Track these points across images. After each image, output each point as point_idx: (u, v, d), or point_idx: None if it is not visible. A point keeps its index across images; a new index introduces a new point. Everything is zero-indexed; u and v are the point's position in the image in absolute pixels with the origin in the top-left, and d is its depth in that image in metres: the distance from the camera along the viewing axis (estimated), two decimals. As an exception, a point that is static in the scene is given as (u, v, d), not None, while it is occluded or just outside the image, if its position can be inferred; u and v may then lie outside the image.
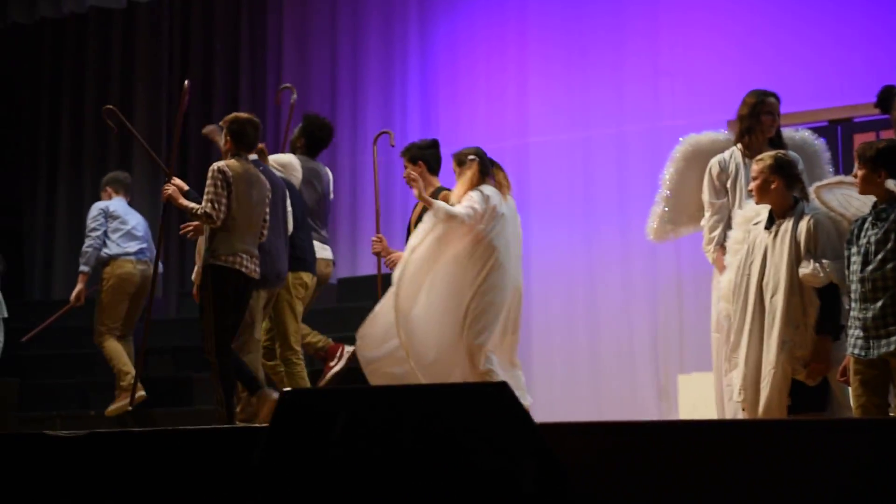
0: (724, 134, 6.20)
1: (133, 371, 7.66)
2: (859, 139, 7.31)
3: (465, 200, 6.32)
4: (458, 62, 9.69)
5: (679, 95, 8.69)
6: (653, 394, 8.31)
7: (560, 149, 9.04)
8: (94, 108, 10.84)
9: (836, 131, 8.03)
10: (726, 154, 5.91)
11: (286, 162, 7.20)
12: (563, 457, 3.62)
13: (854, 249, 4.96)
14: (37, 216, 11.23)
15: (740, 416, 5.41)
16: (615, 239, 8.61)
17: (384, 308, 6.39)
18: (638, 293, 8.55)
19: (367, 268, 9.73)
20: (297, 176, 7.16)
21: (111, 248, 7.94)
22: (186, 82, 7.22)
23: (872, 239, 4.88)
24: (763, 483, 3.70)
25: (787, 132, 6.09)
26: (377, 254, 7.00)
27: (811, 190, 5.35)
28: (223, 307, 6.20)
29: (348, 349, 7.12)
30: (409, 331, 6.27)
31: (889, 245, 4.82)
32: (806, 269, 5.10)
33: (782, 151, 5.51)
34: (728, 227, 5.80)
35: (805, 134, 6.19)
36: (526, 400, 6.16)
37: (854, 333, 4.92)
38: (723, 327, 5.66)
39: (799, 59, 8.37)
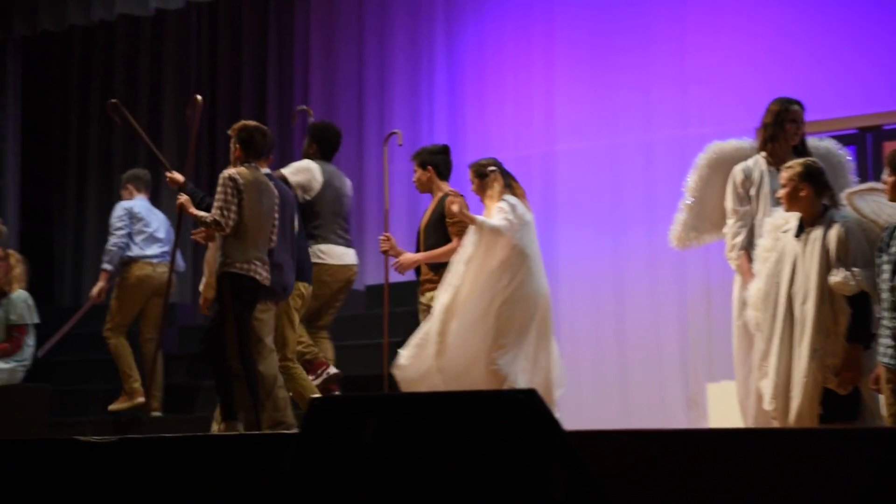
0: (748, 142, 6.19)
1: (136, 374, 7.82)
2: (889, 147, 7.28)
3: (495, 213, 6.36)
4: (484, 70, 9.69)
5: (707, 102, 8.66)
6: (681, 402, 8.28)
7: (587, 156, 9.02)
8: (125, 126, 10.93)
9: (866, 139, 8.01)
10: (750, 162, 5.90)
11: (304, 167, 7.24)
12: (591, 465, 3.61)
13: (885, 258, 4.93)
14: (66, 222, 11.30)
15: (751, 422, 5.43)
16: (643, 247, 8.59)
17: (432, 331, 6.41)
18: (666, 301, 8.52)
19: (396, 274, 9.75)
20: (317, 179, 7.20)
21: (132, 251, 8.01)
22: (199, 97, 7.23)
23: (903, 247, 4.85)
24: (794, 492, 3.69)
25: (812, 141, 6.07)
26: (385, 252, 7.03)
27: (843, 196, 5.33)
28: (242, 312, 6.26)
29: (331, 371, 7.15)
30: (444, 345, 6.32)
31: (920, 253, 4.80)
32: (836, 277, 5.07)
33: (811, 159, 5.49)
34: (750, 234, 5.79)
35: (829, 143, 6.17)
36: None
37: (885, 342, 4.90)
38: (750, 335, 5.64)
39: (828, 66, 8.33)
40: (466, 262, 6.39)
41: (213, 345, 6.32)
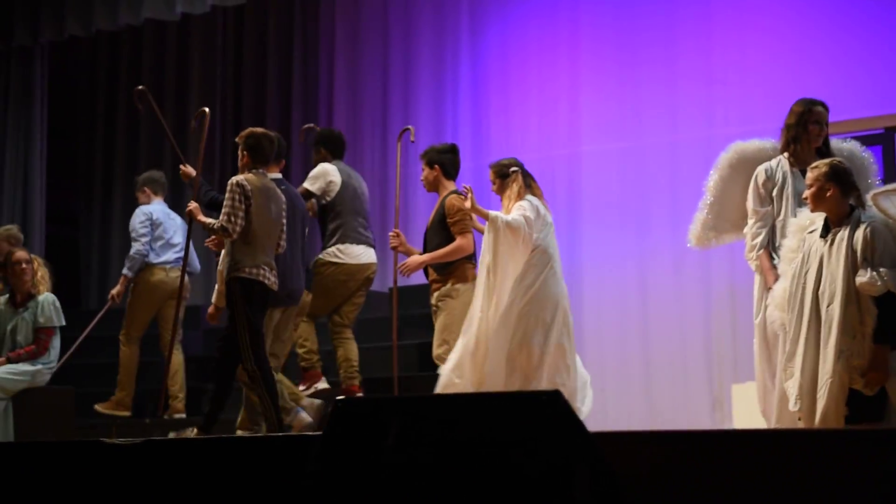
0: (770, 142, 6.15)
1: (130, 389, 8.01)
2: (916, 147, 7.25)
3: (515, 211, 6.36)
4: (509, 69, 9.68)
5: (732, 103, 8.63)
6: (706, 403, 8.24)
7: (612, 157, 9.00)
8: (149, 120, 10.99)
9: (893, 138, 7.96)
10: (773, 162, 5.87)
11: (319, 172, 7.31)
12: (616, 466, 3.60)
13: (912, 258, 4.90)
14: (92, 226, 11.37)
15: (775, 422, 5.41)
16: (668, 248, 8.55)
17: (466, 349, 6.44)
18: (691, 302, 8.49)
19: (420, 277, 9.75)
20: (335, 180, 7.24)
21: (149, 257, 8.10)
22: (206, 109, 7.28)
23: (930, 247, 4.82)
24: (820, 494, 3.67)
25: (835, 143, 6.03)
26: (394, 249, 7.05)
27: (868, 197, 5.29)
28: (253, 317, 6.32)
29: (321, 386, 7.19)
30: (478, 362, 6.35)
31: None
32: (863, 277, 5.04)
33: (838, 159, 5.45)
34: (771, 235, 5.76)
35: (853, 145, 6.12)
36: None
37: (912, 343, 4.86)
38: (769, 335, 5.62)
39: (854, 66, 8.28)
40: (489, 272, 6.39)
41: (228, 351, 6.37)
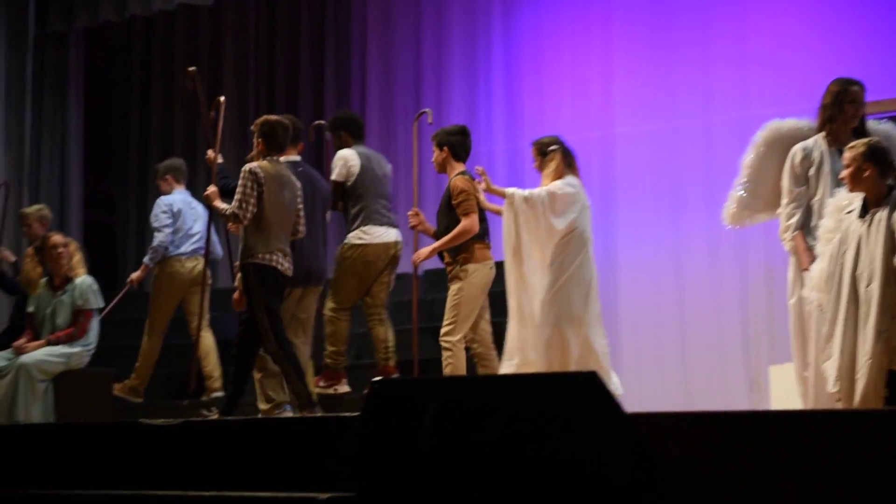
0: (806, 121, 6.12)
1: (144, 378, 8.14)
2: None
3: (556, 183, 6.42)
4: (542, 52, 9.65)
5: (767, 84, 8.56)
6: (743, 385, 8.21)
7: (646, 139, 8.96)
8: (183, 104, 11.04)
9: (929, 119, 7.88)
10: (810, 141, 5.83)
11: (338, 158, 7.33)
12: (653, 447, 3.60)
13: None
14: (128, 210, 11.44)
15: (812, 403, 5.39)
16: (703, 229, 8.52)
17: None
18: (727, 284, 8.46)
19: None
20: (354, 164, 7.28)
21: (168, 249, 8.19)
22: (222, 98, 7.31)
23: (969, 227, 4.78)
24: (859, 475, 3.65)
25: (871, 123, 5.98)
26: (413, 228, 7.10)
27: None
28: (270, 300, 6.38)
29: (342, 389, 7.24)
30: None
31: None
32: (902, 257, 5.01)
33: (875, 138, 5.41)
34: (806, 215, 5.73)
35: (889, 126, 6.07)
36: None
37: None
38: (805, 315, 5.60)
39: (890, 45, 8.21)
40: (514, 252, 6.40)
41: (247, 335, 6.45)
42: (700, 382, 8.35)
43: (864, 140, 5.31)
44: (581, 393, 3.50)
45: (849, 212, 5.29)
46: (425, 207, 9.83)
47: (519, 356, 6.45)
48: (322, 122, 8.06)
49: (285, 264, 6.46)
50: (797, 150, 5.82)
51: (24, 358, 7.47)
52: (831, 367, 5.15)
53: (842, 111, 5.78)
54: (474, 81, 9.98)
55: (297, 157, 7.09)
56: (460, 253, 6.63)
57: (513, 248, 6.48)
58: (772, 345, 8.02)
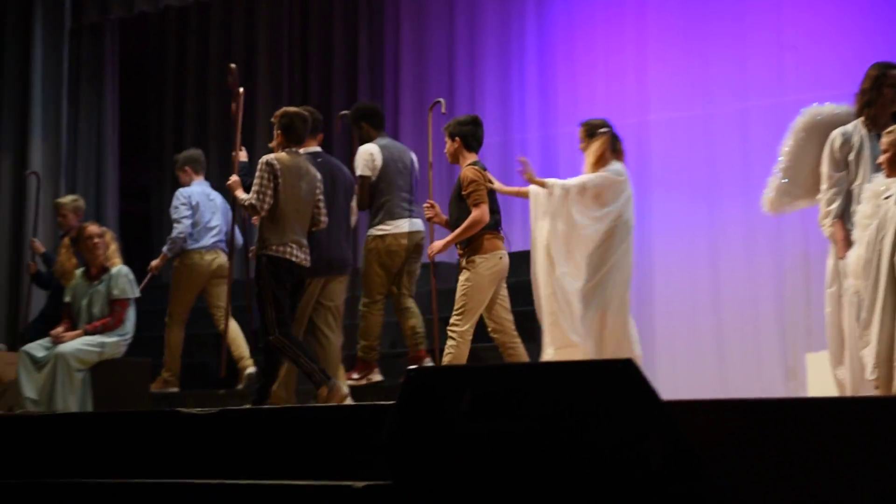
0: (845, 106, 6.07)
1: (175, 368, 8.25)
2: None
3: (599, 173, 6.39)
4: (576, 38, 9.60)
5: (803, 69, 8.49)
6: (780, 373, 8.16)
7: (681, 125, 8.91)
8: (217, 94, 11.07)
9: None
10: (850, 126, 5.79)
11: (362, 154, 7.39)
12: (690, 435, 3.58)
13: None
14: (163, 199, 11.46)
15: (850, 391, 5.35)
16: (739, 216, 8.47)
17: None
18: (763, 270, 8.41)
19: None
20: (377, 159, 7.36)
21: (187, 241, 8.26)
22: (241, 89, 7.33)
23: None
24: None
25: None
26: (429, 220, 7.12)
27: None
28: (279, 295, 6.45)
29: (376, 378, 7.29)
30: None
31: None
32: (941, 243, 4.97)
33: (914, 123, 5.37)
34: (846, 200, 5.69)
35: None
36: None
37: None
38: (850, 304, 5.56)
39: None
40: (549, 243, 6.38)
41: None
42: (736, 370, 8.31)
43: (903, 125, 5.27)
44: (618, 381, 3.48)
45: (886, 197, 5.25)
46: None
47: (556, 344, 6.43)
48: (346, 112, 8.07)
49: (300, 255, 6.52)
50: (836, 135, 5.78)
51: (62, 347, 7.53)
52: (869, 355, 5.12)
53: (881, 95, 5.74)
54: (508, 69, 9.95)
55: (317, 149, 7.15)
56: (469, 243, 6.63)
57: (547, 236, 6.46)
58: (809, 332, 7.97)
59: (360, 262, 7.62)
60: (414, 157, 7.54)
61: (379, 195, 7.33)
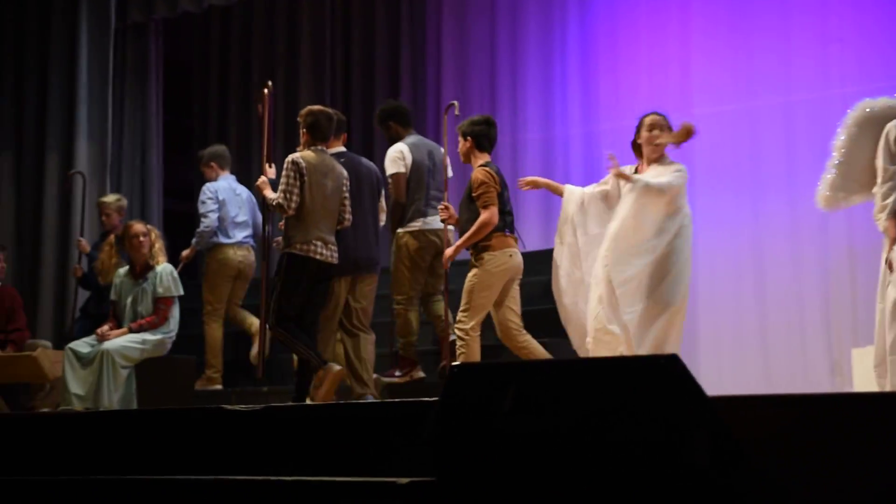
0: None
1: (218, 365, 8.35)
2: None
3: (671, 172, 6.34)
4: (618, 33, 9.56)
5: (849, 62, 8.41)
6: (825, 368, 8.10)
7: (725, 120, 8.85)
8: (260, 93, 11.10)
9: None
10: None
11: (393, 155, 7.47)
12: (735, 431, 3.56)
13: None
14: (207, 199, 11.54)
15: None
16: (783, 211, 8.41)
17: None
18: (808, 265, 8.34)
19: (530, 244, 9.74)
20: (406, 160, 7.44)
21: (218, 237, 8.38)
22: (266, 89, 7.34)
23: None
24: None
25: None
26: (444, 222, 7.14)
27: None
28: (289, 292, 6.57)
29: (418, 375, 7.32)
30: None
31: None
32: None
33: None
34: None
35: None
36: None
37: None
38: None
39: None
40: (614, 238, 6.33)
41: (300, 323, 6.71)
42: (781, 366, 8.25)
43: (954, 117, 5.20)
44: (663, 377, 3.47)
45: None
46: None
47: (596, 335, 6.36)
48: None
49: (325, 252, 6.62)
50: (891, 128, 5.70)
51: (108, 345, 7.59)
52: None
53: None
54: (550, 65, 9.93)
55: (341, 148, 7.25)
56: (479, 242, 6.62)
57: (616, 228, 6.37)
58: (854, 327, 7.91)
59: (389, 262, 7.66)
60: (443, 153, 7.56)
61: (409, 194, 7.38)
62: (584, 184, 9.46)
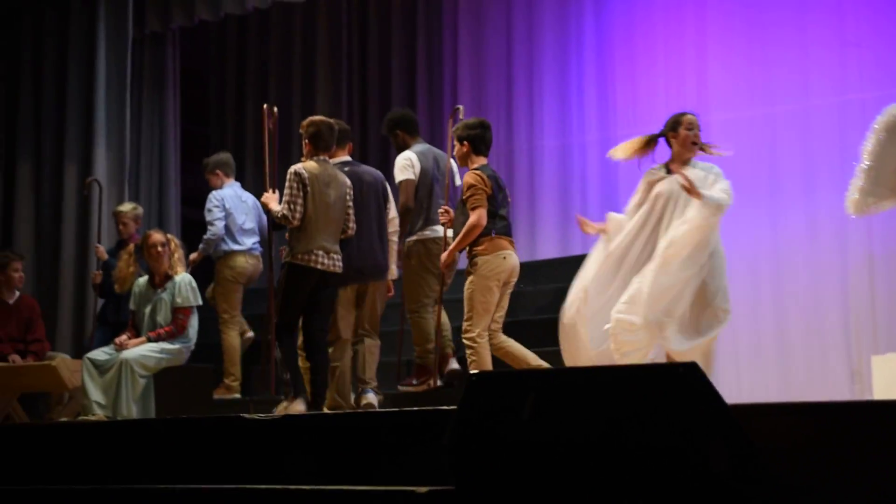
0: None
1: (237, 373, 8.40)
2: None
3: (721, 185, 6.32)
4: (635, 39, 9.55)
5: (867, 67, 8.36)
6: (844, 375, 8.05)
7: (742, 126, 8.81)
8: (278, 103, 11.13)
9: None
10: None
11: (403, 163, 7.48)
12: (753, 438, 3.55)
13: None
14: (224, 208, 11.57)
15: None
16: (801, 217, 8.38)
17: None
18: (826, 272, 8.29)
19: (547, 251, 9.74)
20: (416, 168, 7.44)
21: (227, 244, 8.45)
22: (267, 107, 7.39)
23: None
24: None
25: None
26: (443, 225, 7.16)
27: None
28: (290, 303, 6.64)
29: (436, 383, 7.32)
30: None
31: None
32: None
33: None
34: None
35: None
36: None
37: None
38: None
39: None
40: (668, 246, 6.28)
41: (310, 332, 6.78)
42: (799, 373, 8.21)
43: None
44: (681, 384, 3.46)
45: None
46: (514, 203, 9.87)
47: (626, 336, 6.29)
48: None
49: (327, 262, 6.68)
50: None
51: (126, 354, 7.61)
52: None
53: None
54: (566, 72, 9.92)
55: (346, 158, 7.29)
56: (472, 247, 6.62)
57: (671, 237, 6.33)
58: (874, 334, 7.86)
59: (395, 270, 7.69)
60: (451, 161, 7.56)
61: (418, 202, 7.40)
62: (600, 190, 9.55)
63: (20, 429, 6.98)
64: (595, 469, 3.51)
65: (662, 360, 6.22)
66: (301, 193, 6.61)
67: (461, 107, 7.57)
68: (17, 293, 8.76)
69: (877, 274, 7.90)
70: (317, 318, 6.76)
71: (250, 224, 8.65)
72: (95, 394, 7.55)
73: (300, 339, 6.86)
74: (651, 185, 6.45)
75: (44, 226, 10.35)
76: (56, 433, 6.09)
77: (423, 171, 7.44)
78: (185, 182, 11.24)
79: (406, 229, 7.48)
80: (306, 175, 6.64)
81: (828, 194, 8.18)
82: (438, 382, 7.37)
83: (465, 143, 6.79)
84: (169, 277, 7.90)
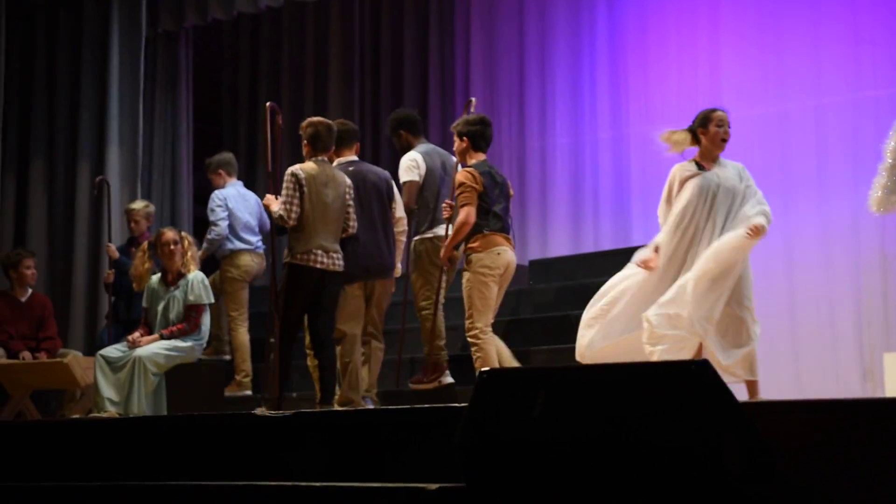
0: None
1: (248, 370, 8.44)
2: None
3: (759, 206, 6.29)
4: (647, 36, 9.53)
5: (881, 64, 8.34)
6: (857, 373, 8.02)
7: (755, 123, 8.79)
8: (290, 101, 11.17)
9: None
10: None
11: (408, 164, 7.49)
12: (766, 436, 3.54)
13: None
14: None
15: None
16: (814, 215, 8.36)
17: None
18: (839, 269, 8.27)
19: (559, 249, 9.73)
20: (421, 168, 7.45)
21: (232, 243, 8.60)
22: (269, 106, 7.41)
23: None
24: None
25: None
26: (446, 220, 7.14)
27: None
28: (292, 303, 6.68)
29: (447, 381, 7.30)
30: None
31: None
32: None
33: None
34: None
35: None
36: None
37: None
38: None
39: None
40: (714, 253, 6.23)
41: (315, 331, 6.83)
42: (812, 370, 8.18)
43: None
44: (693, 382, 3.45)
45: None
46: (527, 202, 9.87)
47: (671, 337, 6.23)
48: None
49: (326, 261, 6.72)
50: None
51: (139, 351, 7.62)
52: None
53: None
54: (578, 69, 9.91)
55: (353, 157, 7.30)
56: (467, 243, 6.64)
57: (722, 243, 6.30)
58: (886, 332, 7.84)
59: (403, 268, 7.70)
60: (455, 161, 7.57)
61: (424, 203, 7.41)
62: (612, 187, 9.54)
63: (32, 425, 7.01)
64: (606, 467, 3.50)
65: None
66: (297, 194, 6.67)
67: (474, 99, 7.57)
68: (30, 290, 8.80)
69: (889, 271, 7.88)
70: (322, 316, 6.79)
71: (254, 222, 8.69)
72: (108, 391, 7.56)
73: (307, 339, 6.88)
74: (683, 182, 6.34)
75: (57, 224, 10.38)
76: (68, 430, 6.10)
77: (428, 172, 7.44)
78: (197, 181, 11.26)
79: (410, 229, 7.50)
80: (303, 176, 6.69)
81: (840, 192, 8.17)
82: (450, 380, 7.37)
83: (465, 138, 6.80)
84: (182, 275, 7.91)
